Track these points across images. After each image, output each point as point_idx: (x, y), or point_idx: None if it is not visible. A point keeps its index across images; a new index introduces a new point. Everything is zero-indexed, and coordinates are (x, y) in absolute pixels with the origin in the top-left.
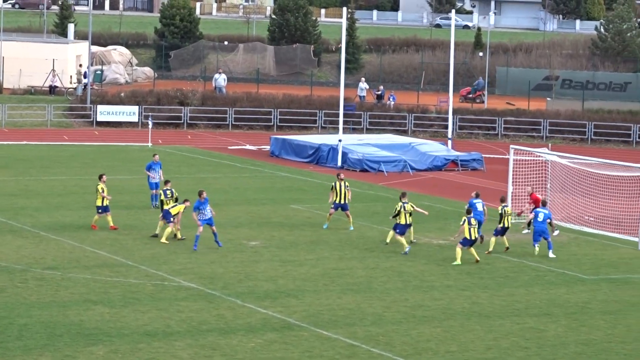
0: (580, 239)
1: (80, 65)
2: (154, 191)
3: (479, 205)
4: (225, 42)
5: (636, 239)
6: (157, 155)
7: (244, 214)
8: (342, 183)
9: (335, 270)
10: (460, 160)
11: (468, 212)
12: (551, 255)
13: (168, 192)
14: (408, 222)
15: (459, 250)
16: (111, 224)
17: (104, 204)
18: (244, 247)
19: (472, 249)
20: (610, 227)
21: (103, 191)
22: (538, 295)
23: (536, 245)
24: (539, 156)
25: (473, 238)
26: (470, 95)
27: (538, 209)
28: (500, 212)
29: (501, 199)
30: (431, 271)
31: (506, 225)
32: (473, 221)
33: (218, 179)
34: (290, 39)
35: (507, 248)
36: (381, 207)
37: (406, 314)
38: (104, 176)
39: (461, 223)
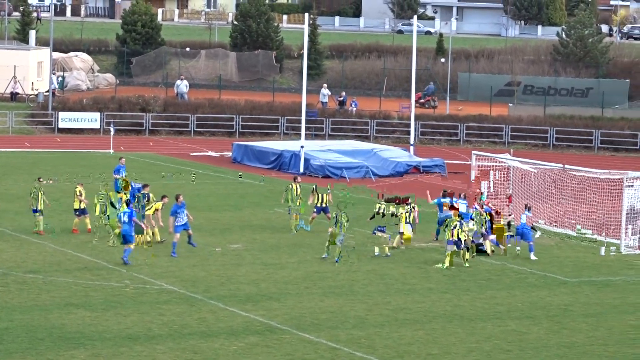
0: (563, 242)
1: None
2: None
3: (462, 206)
4: (187, 49)
5: (618, 241)
6: (124, 159)
7: (205, 221)
8: (298, 185)
9: (317, 274)
10: (423, 166)
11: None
12: (533, 257)
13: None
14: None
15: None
16: (89, 226)
17: (81, 207)
18: (226, 250)
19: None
20: (592, 230)
21: (81, 194)
22: (520, 298)
23: (512, 243)
24: (501, 162)
25: (456, 237)
26: (421, 100)
27: (441, 199)
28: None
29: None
30: (413, 274)
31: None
32: (455, 223)
33: (180, 186)
34: (253, 45)
35: (493, 252)
36: (368, 210)
37: (388, 316)
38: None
39: (452, 227)
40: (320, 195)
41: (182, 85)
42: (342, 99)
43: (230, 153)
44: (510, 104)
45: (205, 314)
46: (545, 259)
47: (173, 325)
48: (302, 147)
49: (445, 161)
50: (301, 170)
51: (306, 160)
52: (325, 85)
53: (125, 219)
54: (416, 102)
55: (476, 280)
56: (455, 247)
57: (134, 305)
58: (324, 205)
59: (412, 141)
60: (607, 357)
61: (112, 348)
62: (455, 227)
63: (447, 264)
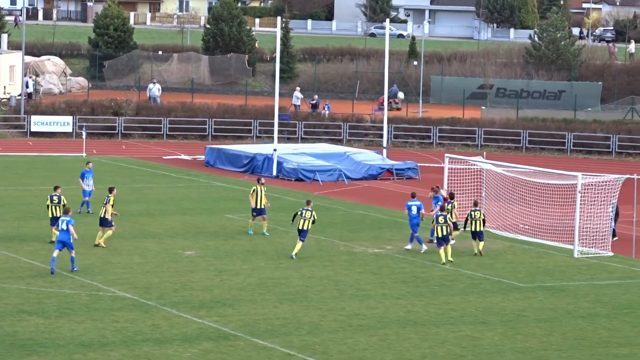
0: (516, 247)
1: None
2: (87, 198)
3: (414, 207)
4: (160, 52)
5: (571, 247)
6: (91, 163)
7: (179, 224)
8: (262, 188)
9: (271, 280)
10: (396, 169)
11: (441, 209)
12: (419, 247)
13: (55, 197)
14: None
15: (440, 252)
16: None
17: (57, 215)
18: (180, 256)
19: (442, 250)
20: (545, 235)
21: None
22: (474, 304)
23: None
24: (474, 164)
25: (441, 235)
26: (384, 103)
27: (410, 202)
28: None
29: (474, 202)
30: (367, 280)
31: (478, 229)
32: (441, 219)
33: (153, 189)
34: (225, 49)
35: (480, 252)
36: (317, 216)
37: (342, 322)
38: (58, 188)
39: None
40: (259, 197)
41: (155, 89)
42: (314, 102)
43: (203, 156)
44: (483, 107)
45: (158, 320)
46: (499, 264)
47: (126, 332)
48: (274, 150)
49: (419, 164)
50: (274, 173)
51: (279, 164)
52: (298, 88)
53: (64, 226)
54: (380, 105)
55: (430, 286)
56: (444, 243)
57: (87, 312)
58: (261, 206)
59: (385, 144)
60: None
61: (66, 355)
62: (440, 224)
63: (443, 259)
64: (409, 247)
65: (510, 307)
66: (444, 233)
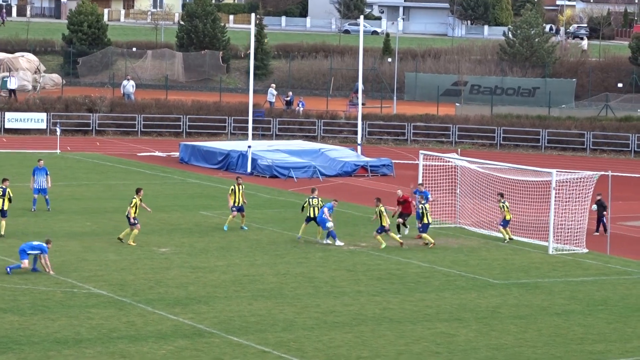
0: (491, 244)
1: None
2: (36, 196)
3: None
4: (134, 49)
5: (546, 244)
6: (42, 161)
7: (154, 221)
8: (241, 187)
9: (246, 277)
10: (370, 166)
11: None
12: (330, 242)
13: (0, 190)
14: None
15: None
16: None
17: (4, 208)
18: (154, 253)
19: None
20: (520, 232)
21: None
22: (449, 300)
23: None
24: (449, 161)
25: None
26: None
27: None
28: (421, 209)
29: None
30: (342, 277)
31: (429, 221)
32: (421, 207)
33: (127, 186)
34: (199, 45)
35: (432, 243)
36: (291, 213)
37: (317, 319)
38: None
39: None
40: (237, 195)
41: (129, 86)
42: (289, 98)
43: (178, 153)
44: (457, 104)
45: (133, 317)
46: (474, 261)
47: (101, 329)
48: (249, 147)
49: (393, 161)
50: (249, 170)
51: (253, 160)
52: (272, 85)
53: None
54: (350, 102)
55: (405, 283)
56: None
57: (62, 309)
58: (239, 204)
59: (359, 141)
60: (535, 358)
61: (41, 352)
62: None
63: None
64: (326, 241)
65: (485, 303)
66: (429, 220)
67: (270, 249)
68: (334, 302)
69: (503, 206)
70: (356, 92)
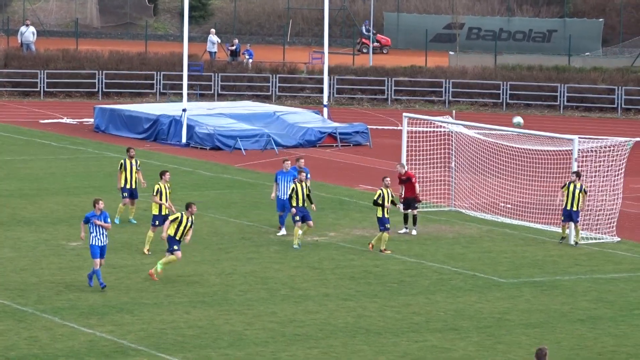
0: (495, 232)
1: None
2: None
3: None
4: None
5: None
6: None
7: (62, 207)
8: (133, 161)
9: (181, 278)
10: (340, 134)
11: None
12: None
13: None
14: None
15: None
16: None
17: None
18: (63, 249)
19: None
20: (533, 217)
21: None
22: (442, 305)
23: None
24: (441, 126)
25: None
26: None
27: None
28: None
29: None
30: (304, 276)
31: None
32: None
33: (27, 163)
34: None
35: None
36: (239, 195)
37: (273, 331)
38: None
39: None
40: (128, 174)
41: (28, 33)
42: (234, 47)
43: (92, 119)
44: (451, 52)
45: (37, 331)
46: (474, 254)
47: None
48: (184, 110)
49: (369, 127)
50: (184, 140)
51: (190, 128)
52: (213, 31)
53: None
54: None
55: (386, 284)
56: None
57: None
58: (132, 187)
59: (325, 101)
60: None
61: None
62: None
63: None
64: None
65: (489, 309)
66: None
67: (212, 242)
68: (294, 309)
69: (580, 191)
70: (367, 33)
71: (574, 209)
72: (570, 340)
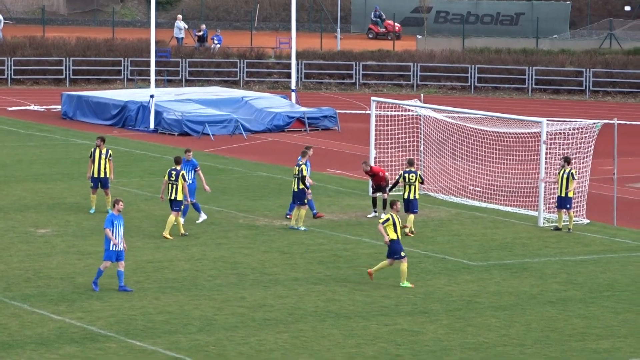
0: (464, 215)
1: None
2: None
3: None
4: None
5: (535, 213)
6: None
7: (30, 194)
8: (103, 150)
9: (150, 264)
10: (308, 118)
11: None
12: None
13: None
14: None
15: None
16: None
17: None
18: (32, 236)
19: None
20: (501, 200)
21: None
22: (412, 289)
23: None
24: (409, 110)
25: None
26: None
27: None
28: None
29: (409, 161)
30: (274, 261)
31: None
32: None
33: None
34: None
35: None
36: (207, 180)
37: (243, 316)
38: None
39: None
40: (96, 164)
41: None
42: (201, 33)
43: (60, 106)
44: (418, 36)
45: (6, 318)
46: (443, 237)
47: None
48: (152, 96)
49: (338, 111)
50: (151, 126)
51: (157, 114)
52: (180, 17)
53: None
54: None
55: (355, 267)
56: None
57: None
58: (100, 176)
59: (293, 86)
60: (524, 359)
61: None
62: None
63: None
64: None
65: (459, 291)
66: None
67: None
68: (263, 293)
69: (568, 177)
70: (377, 19)
71: (563, 195)
72: (540, 322)
